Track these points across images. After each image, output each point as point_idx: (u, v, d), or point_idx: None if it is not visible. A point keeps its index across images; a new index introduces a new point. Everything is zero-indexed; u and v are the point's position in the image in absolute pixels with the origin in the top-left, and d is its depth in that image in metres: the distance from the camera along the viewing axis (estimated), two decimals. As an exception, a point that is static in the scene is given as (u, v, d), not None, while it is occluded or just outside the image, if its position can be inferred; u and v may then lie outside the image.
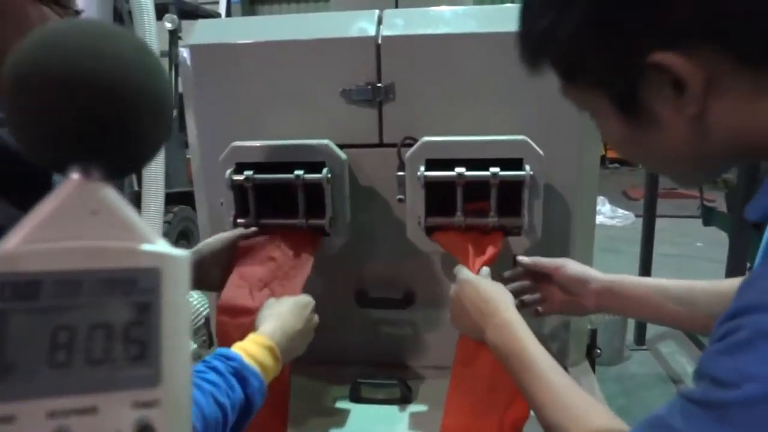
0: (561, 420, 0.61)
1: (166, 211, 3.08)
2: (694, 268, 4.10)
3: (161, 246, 0.28)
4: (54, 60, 0.28)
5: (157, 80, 0.31)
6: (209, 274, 0.93)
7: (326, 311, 1.13)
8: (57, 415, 0.26)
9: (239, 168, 0.98)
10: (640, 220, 3.18)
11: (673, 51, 0.42)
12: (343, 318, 1.15)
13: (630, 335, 2.97)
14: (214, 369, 0.63)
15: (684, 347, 2.93)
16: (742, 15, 0.40)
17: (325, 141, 0.98)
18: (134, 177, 3.18)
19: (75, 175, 0.28)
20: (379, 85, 1.03)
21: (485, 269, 0.87)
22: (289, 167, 0.97)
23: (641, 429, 0.45)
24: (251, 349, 0.69)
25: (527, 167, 0.90)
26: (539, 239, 0.95)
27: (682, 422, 0.39)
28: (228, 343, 0.72)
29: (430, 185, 0.93)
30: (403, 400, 1.03)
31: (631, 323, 2.91)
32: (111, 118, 0.28)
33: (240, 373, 0.65)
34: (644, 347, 2.95)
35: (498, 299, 0.77)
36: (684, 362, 2.82)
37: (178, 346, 0.28)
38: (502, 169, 0.90)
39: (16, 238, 0.26)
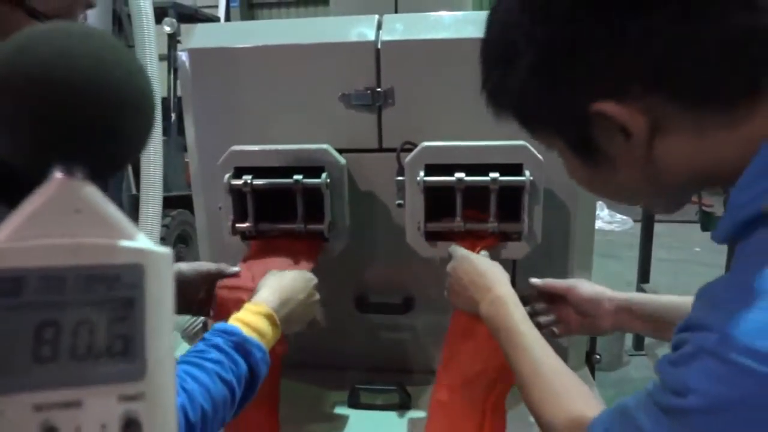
0: (543, 398, 0.62)
1: (165, 215, 3.07)
2: (692, 272, 4.10)
3: (144, 242, 0.29)
4: (32, 62, 0.28)
5: (136, 78, 0.31)
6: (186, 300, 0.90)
7: (325, 316, 1.13)
8: (42, 408, 0.26)
9: (238, 172, 0.98)
10: (638, 224, 3.18)
11: (615, 100, 0.44)
12: (342, 323, 1.15)
13: (629, 340, 2.96)
14: (216, 347, 0.63)
15: (682, 352, 2.93)
16: (678, 64, 0.42)
17: (324, 146, 0.98)
18: (132, 181, 3.19)
19: (58, 175, 0.28)
20: (379, 89, 1.03)
21: (484, 252, 0.88)
22: (288, 172, 0.97)
23: (609, 416, 0.48)
24: (249, 319, 0.69)
25: (527, 172, 0.90)
26: (539, 244, 0.95)
27: (647, 421, 0.43)
28: (225, 315, 0.72)
29: (430, 190, 0.93)
30: (402, 406, 1.03)
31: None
32: (91, 118, 0.29)
33: (242, 347, 0.65)
34: (643, 353, 2.95)
35: (493, 275, 0.79)
36: (682, 367, 2.82)
37: (161, 340, 0.28)
38: (501, 175, 0.90)
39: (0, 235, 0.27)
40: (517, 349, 0.68)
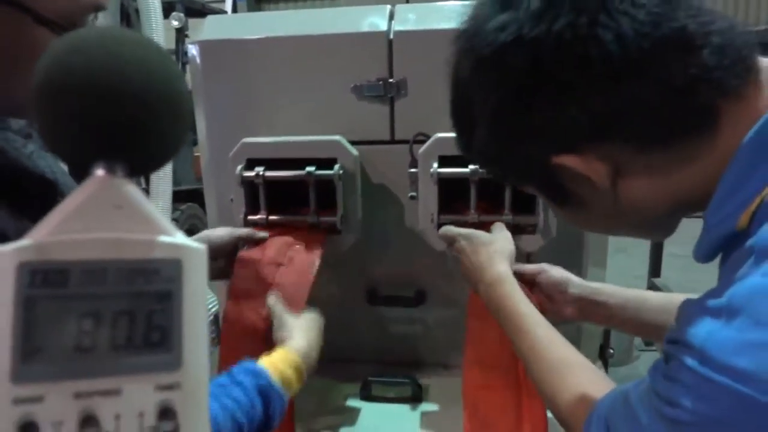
0: (546, 378, 0.62)
1: (174, 209, 3.08)
2: (702, 269, 4.04)
3: (181, 239, 0.30)
4: (85, 64, 0.30)
5: (178, 84, 0.32)
6: (213, 263, 0.91)
7: (337, 309, 1.13)
8: (83, 396, 0.27)
9: (250, 164, 0.97)
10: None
11: (572, 153, 0.46)
12: (354, 316, 1.14)
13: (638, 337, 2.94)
14: (240, 385, 0.62)
15: (693, 348, 2.91)
16: (623, 116, 0.44)
17: (337, 137, 0.97)
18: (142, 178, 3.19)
19: (100, 172, 0.29)
20: (391, 80, 1.02)
21: (499, 224, 0.87)
22: (299, 164, 0.96)
23: (612, 402, 0.49)
24: (281, 367, 0.68)
25: (542, 164, 0.89)
26: (553, 238, 0.94)
27: (646, 418, 0.43)
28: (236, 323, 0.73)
29: (443, 182, 0.92)
30: (415, 399, 1.02)
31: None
32: (136, 120, 0.30)
33: (265, 393, 0.63)
34: (653, 348, 2.92)
35: (487, 253, 0.78)
36: (693, 363, 2.80)
37: (197, 332, 0.29)
38: (516, 166, 0.89)
39: (45, 229, 0.28)
40: (519, 333, 0.68)
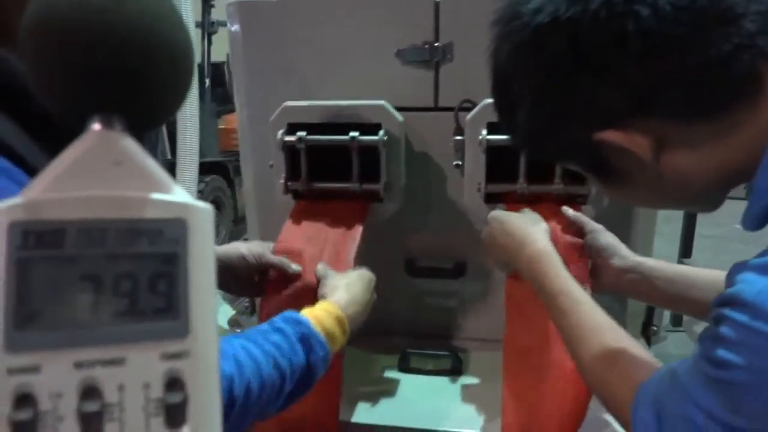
0: (591, 361, 0.59)
1: (199, 181, 3.08)
2: (732, 250, 3.98)
3: (185, 197, 0.28)
4: (75, 8, 0.27)
5: (177, 29, 0.30)
6: (234, 283, 0.86)
7: (376, 279, 1.11)
8: (84, 366, 0.25)
9: (291, 129, 0.95)
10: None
11: (613, 128, 0.46)
12: (392, 287, 1.12)
13: (666, 316, 2.90)
14: (280, 331, 0.61)
15: (722, 330, 2.86)
16: (662, 90, 0.44)
17: (382, 102, 0.94)
18: (168, 146, 3.20)
19: (96, 126, 0.27)
20: (437, 44, 0.98)
21: (527, 209, 0.84)
22: (340, 129, 0.93)
23: (658, 381, 0.48)
24: (321, 316, 0.66)
25: (597, 132, 0.85)
26: (605, 209, 0.91)
27: (696, 388, 0.43)
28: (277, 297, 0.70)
29: (492, 150, 0.89)
30: (454, 372, 1.01)
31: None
32: (133, 67, 0.28)
33: (306, 340, 0.62)
34: (681, 329, 2.88)
35: (524, 231, 0.76)
36: (722, 345, 2.76)
37: (205, 297, 0.27)
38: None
39: (38, 187, 0.25)
40: (558, 312, 0.65)
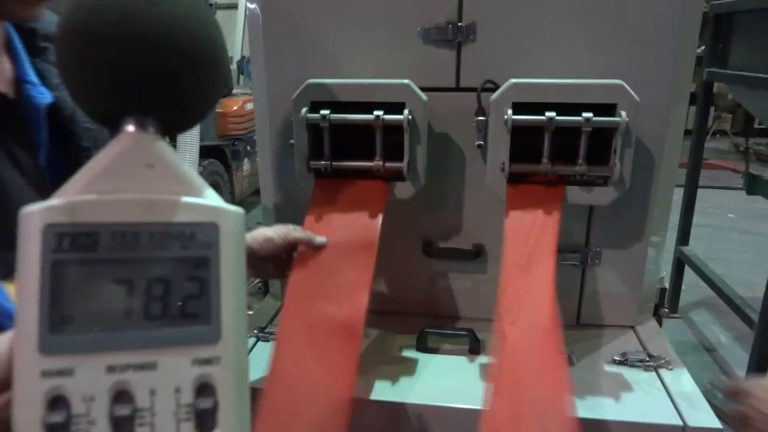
0: None
1: (198, 165, 3.06)
2: (726, 238, 4.04)
3: (217, 200, 0.28)
4: (113, 13, 0.27)
5: (212, 35, 0.29)
6: (260, 266, 0.86)
7: (393, 260, 1.12)
8: (116, 369, 0.25)
9: (313, 107, 0.94)
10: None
11: None
12: (409, 267, 1.13)
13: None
14: None
15: (716, 316, 2.90)
16: None
17: (406, 81, 0.93)
18: (166, 128, 3.16)
19: (130, 128, 0.27)
20: (460, 24, 0.98)
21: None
22: (361, 108, 0.93)
23: None
24: None
25: (622, 113, 0.85)
26: (626, 191, 0.91)
27: None
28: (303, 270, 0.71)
29: (517, 130, 0.89)
30: (472, 352, 1.02)
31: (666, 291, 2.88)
32: (168, 71, 0.27)
33: None
34: (677, 315, 2.92)
35: None
36: (717, 331, 2.80)
37: (236, 302, 0.27)
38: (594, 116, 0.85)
39: (72, 189, 0.26)
40: None
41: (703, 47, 2.59)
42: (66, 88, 0.29)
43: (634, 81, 0.88)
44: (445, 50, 1.00)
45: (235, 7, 4.66)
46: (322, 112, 0.92)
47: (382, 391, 0.92)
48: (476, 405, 0.89)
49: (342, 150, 0.96)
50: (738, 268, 3.41)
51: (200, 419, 0.26)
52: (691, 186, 2.89)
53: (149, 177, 0.27)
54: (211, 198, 0.27)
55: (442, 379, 0.95)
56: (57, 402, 0.24)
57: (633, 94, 0.86)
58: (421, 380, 0.95)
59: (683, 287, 2.98)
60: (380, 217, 0.92)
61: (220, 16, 3.97)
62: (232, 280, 0.27)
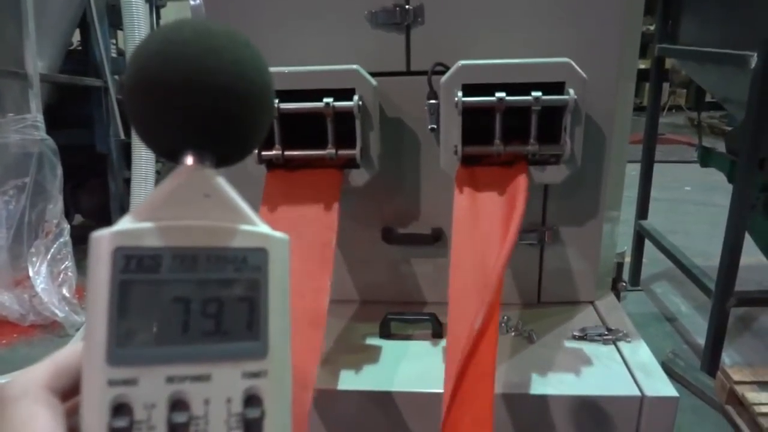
0: None
1: (156, 160, 2.99)
2: (684, 211, 4.15)
3: (266, 228, 0.30)
4: (179, 57, 0.29)
5: (266, 81, 0.32)
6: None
7: (352, 248, 1.11)
8: (174, 380, 0.27)
9: (261, 97, 0.92)
10: (631, 165, 3.17)
11: None
12: (369, 255, 1.12)
13: (625, 275, 3.01)
14: None
15: (677, 287, 2.99)
16: None
17: (355, 66, 0.92)
18: (120, 126, 3.07)
19: (189, 161, 0.29)
20: (408, 6, 0.96)
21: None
22: (311, 95, 0.91)
23: None
24: None
25: (570, 91, 0.86)
26: (578, 169, 0.92)
27: None
28: None
29: (468, 112, 0.88)
30: (435, 336, 1.02)
31: (627, 265, 2.95)
32: (228, 112, 0.30)
33: None
34: (639, 288, 3.00)
35: None
36: (677, 301, 2.88)
37: (282, 321, 0.30)
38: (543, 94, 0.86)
39: (138, 215, 0.28)
40: None
41: (654, 24, 2.64)
42: (133, 127, 0.31)
43: (582, 58, 0.89)
44: (394, 33, 0.99)
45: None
46: (271, 101, 0.90)
47: (348, 380, 0.92)
48: (439, 389, 0.89)
49: (293, 140, 0.94)
50: (696, 239, 3.51)
51: (248, 427, 0.28)
52: (648, 161, 2.95)
53: (206, 206, 0.29)
54: (261, 226, 0.30)
55: (407, 365, 0.95)
56: (121, 408, 0.26)
57: (580, 71, 0.87)
58: (384, 367, 0.95)
59: (644, 260, 3.06)
60: (336, 206, 0.91)
61: (171, 7, 3.86)
62: (278, 300, 0.30)
